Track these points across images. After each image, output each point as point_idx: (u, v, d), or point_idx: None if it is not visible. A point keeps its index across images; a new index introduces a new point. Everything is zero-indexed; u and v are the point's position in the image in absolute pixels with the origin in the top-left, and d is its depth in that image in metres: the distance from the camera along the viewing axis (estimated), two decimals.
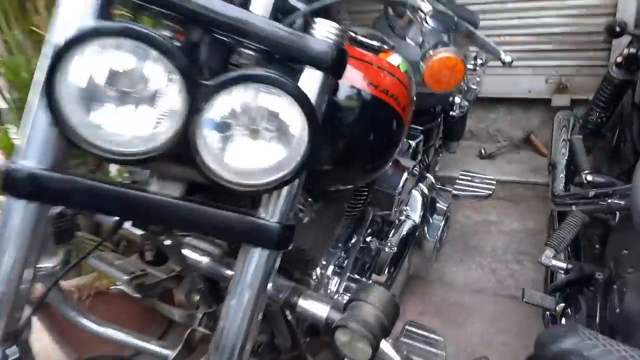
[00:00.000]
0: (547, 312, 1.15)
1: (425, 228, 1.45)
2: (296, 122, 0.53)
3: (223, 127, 0.52)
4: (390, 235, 1.36)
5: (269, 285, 0.64)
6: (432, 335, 1.25)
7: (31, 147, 0.54)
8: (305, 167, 0.55)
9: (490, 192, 1.65)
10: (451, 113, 1.66)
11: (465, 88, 1.81)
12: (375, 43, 0.81)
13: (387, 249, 1.32)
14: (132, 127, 0.50)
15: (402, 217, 1.42)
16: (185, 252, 0.81)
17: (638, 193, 0.82)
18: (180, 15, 0.53)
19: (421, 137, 1.38)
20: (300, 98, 0.52)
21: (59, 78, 0.47)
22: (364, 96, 0.74)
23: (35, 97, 0.53)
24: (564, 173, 1.54)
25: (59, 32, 0.52)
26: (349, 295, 1.14)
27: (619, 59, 1.44)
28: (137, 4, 0.52)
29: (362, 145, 0.77)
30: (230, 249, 0.83)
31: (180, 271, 1.28)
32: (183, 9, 0.52)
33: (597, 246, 1.27)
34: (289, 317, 1.00)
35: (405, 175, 1.05)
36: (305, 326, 1.18)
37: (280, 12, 0.61)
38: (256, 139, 0.54)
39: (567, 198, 1.36)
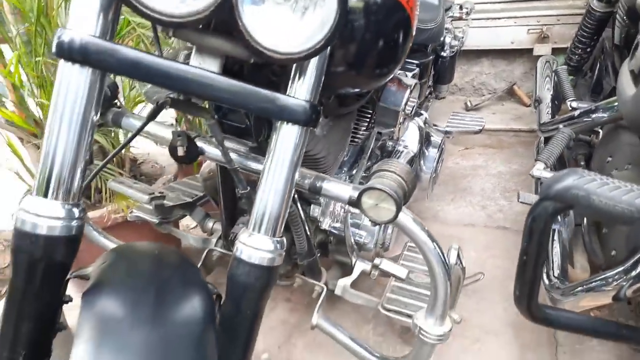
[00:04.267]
0: None
1: (422, 160, 1.53)
2: None
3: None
4: None
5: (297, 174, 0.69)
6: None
7: (81, 14, 0.58)
8: (333, 37, 0.60)
9: (481, 127, 1.74)
10: (442, 53, 1.73)
11: (453, 34, 1.88)
12: None
13: None
14: None
15: (401, 148, 1.49)
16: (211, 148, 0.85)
17: (623, 85, 0.90)
18: None
19: (417, 70, 1.45)
20: None
21: None
22: None
23: None
24: (549, 106, 1.63)
25: None
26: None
27: None
28: None
29: (375, 45, 0.83)
30: (254, 147, 0.89)
31: (193, 201, 1.34)
32: None
33: (582, 163, 1.36)
34: (307, 226, 1.07)
35: (407, 92, 1.11)
36: (316, 241, 1.25)
37: None
38: (291, 8, 0.59)
39: (553, 123, 1.45)
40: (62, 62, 0.59)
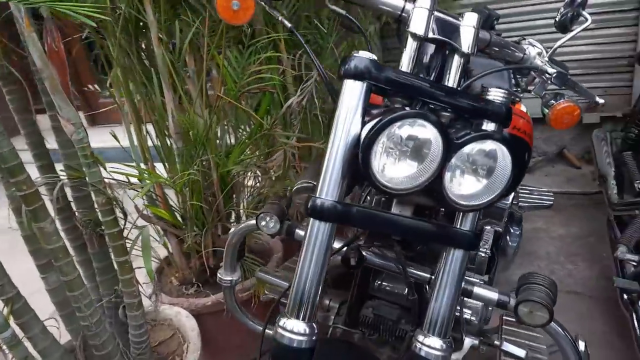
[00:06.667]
0: (625, 297, 1.40)
1: (508, 236, 1.72)
2: (504, 160, 0.79)
3: (460, 168, 0.79)
4: (483, 243, 1.62)
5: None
6: (530, 333, 1.50)
7: (327, 186, 0.80)
8: (508, 190, 0.81)
9: (552, 202, 1.92)
10: None
11: None
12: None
13: (483, 254, 1.58)
14: (406, 172, 0.77)
15: (489, 227, 1.69)
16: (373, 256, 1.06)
17: None
18: (410, 94, 0.80)
19: None
20: (510, 144, 0.79)
21: (372, 145, 0.74)
22: (511, 137, 1.01)
23: (331, 154, 0.80)
24: (615, 183, 1.82)
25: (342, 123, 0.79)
26: None
27: None
28: (390, 92, 0.81)
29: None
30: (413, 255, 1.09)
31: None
32: (414, 90, 0.80)
33: None
34: None
35: (513, 192, 1.32)
36: None
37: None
38: (475, 174, 0.81)
39: (627, 205, 1.64)
40: (311, 220, 0.82)
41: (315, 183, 1.30)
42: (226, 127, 1.61)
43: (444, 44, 0.91)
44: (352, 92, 0.80)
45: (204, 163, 1.49)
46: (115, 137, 1.40)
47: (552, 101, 1.04)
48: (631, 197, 1.70)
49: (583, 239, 2.30)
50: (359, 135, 0.80)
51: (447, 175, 0.78)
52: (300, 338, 0.81)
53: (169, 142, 1.52)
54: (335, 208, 0.80)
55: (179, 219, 1.59)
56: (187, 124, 1.35)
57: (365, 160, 0.75)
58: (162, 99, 1.42)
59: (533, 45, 1.06)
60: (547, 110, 1.03)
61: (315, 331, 0.83)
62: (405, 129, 0.76)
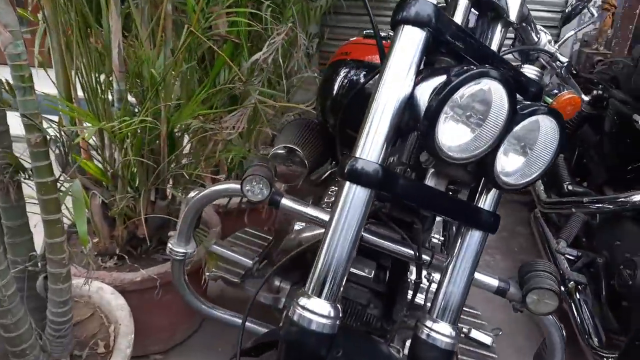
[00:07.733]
0: (562, 288, 1.49)
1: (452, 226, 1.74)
2: (548, 135, 0.74)
3: (514, 144, 0.73)
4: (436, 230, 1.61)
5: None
6: (471, 311, 1.53)
7: (369, 147, 0.69)
8: (546, 171, 0.77)
9: None
10: None
11: None
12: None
13: (436, 240, 1.57)
14: (466, 139, 0.69)
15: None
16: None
17: None
18: (466, 53, 0.73)
19: None
20: (561, 119, 0.74)
21: (440, 111, 0.64)
22: None
23: (377, 111, 0.68)
24: (543, 183, 1.95)
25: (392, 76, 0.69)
26: None
27: (587, 98, 1.88)
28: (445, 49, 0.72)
29: None
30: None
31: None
32: (471, 50, 0.73)
33: (583, 239, 1.66)
34: None
35: None
36: None
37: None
38: (520, 152, 0.75)
39: (557, 204, 1.75)
40: (347, 184, 0.69)
41: (294, 147, 1.16)
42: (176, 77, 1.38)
43: (487, 12, 0.84)
44: (410, 41, 0.69)
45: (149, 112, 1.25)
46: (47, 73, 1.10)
47: (556, 91, 1.03)
48: (557, 197, 1.84)
49: (497, 234, 2.44)
50: (412, 92, 0.69)
51: (502, 149, 0.71)
52: (324, 321, 0.69)
53: (101, 84, 1.25)
54: (377, 173, 0.68)
55: (108, 176, 1.33)
56: (142, 61, 1.11)
57: (429, 127, 0.64)
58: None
59: (545, 33, 1.05)
60: (550, 100, 1.03)
61: (340, 314, 0.71)
62: (471, 90, 0.66)
